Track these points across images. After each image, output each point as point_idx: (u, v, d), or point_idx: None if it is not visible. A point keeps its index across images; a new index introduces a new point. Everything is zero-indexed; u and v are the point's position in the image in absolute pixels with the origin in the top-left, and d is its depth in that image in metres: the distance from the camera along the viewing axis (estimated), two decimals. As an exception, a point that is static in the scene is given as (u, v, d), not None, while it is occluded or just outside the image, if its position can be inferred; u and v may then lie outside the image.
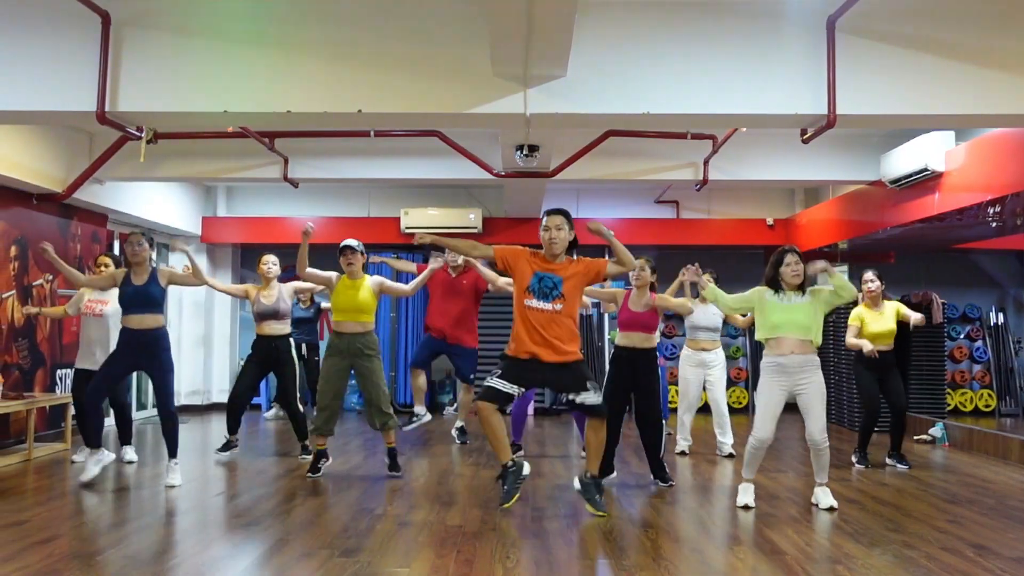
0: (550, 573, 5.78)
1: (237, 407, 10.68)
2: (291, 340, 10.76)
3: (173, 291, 15.71)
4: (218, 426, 13.44)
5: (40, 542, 6.42)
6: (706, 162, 12.44)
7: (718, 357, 10.99)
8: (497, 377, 7.49)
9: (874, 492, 8.64)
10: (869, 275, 10.29)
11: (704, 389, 11.09)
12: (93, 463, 8.71)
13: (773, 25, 7.93)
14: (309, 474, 9.23)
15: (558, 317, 7.47)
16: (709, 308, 10.75)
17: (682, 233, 16.11)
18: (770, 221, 16.20)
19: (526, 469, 7.75)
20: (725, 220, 16.35)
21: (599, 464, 7.73)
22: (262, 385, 15.09)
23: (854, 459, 10.29)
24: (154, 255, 9.06)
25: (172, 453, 8.77)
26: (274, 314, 10.50)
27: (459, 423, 11.91)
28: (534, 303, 7.48)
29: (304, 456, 10.34)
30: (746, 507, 7.83)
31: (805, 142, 8.59)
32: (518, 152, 10.77)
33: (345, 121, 9.00)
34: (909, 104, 7.89)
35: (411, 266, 11.85)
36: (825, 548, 6.45)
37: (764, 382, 7.89)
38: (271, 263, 10.62)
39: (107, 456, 8.85)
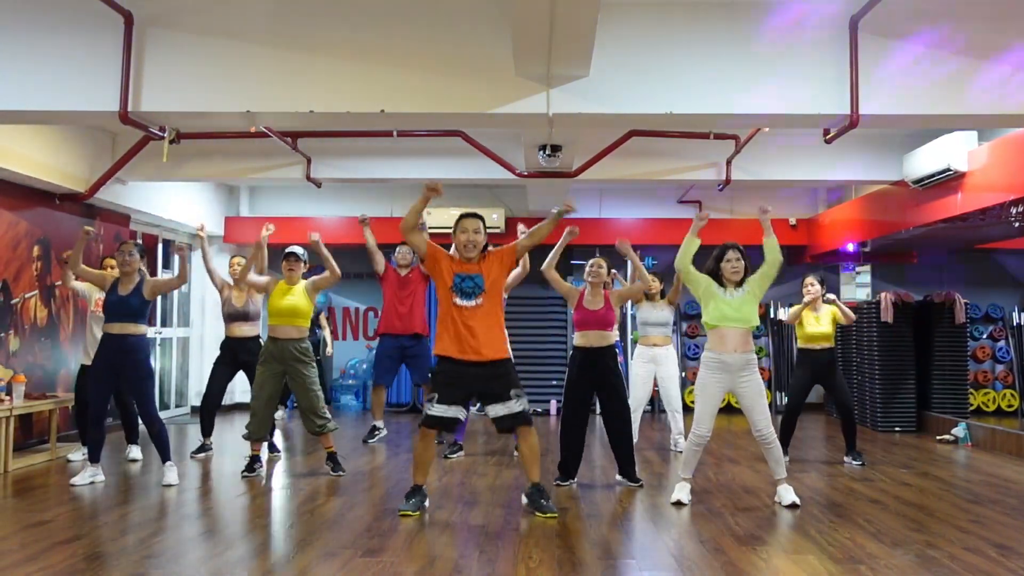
0: (572, 573, 5.78)
1: (211, 409, 10.77)
2: (260, 342, 10.70)
3: (196, 293, 15.79)
4: (238, 426, 13.47)
5: (63, 542, 6.45)
6: (729, 162, 12.43)
7: (669, 353, 10.96)
8: (437, 403, 7.45)
9: (896, 492, 8.62)
10: (810, 279, 10.38)
11: (656, 386, 11.09)
12: (88, 474, 8.75)
13: (796, 25, 7.92)
14: (244, 473, 9.28)
15: (481, 311, 7.49)
16: (658, 304, 10.81)
17: (704, 233, 15.69)
18: (793, 221, 16.17)
19: (427, 500, 7.77)
20: (748, 220, 16.25)
21: (538, 471, 7.69)
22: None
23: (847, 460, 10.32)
24: (143, 266, 9.13)
25: (165, 456, 8.88)
26: (244, 316, 10.60)
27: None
28: (459, 301, 7.48)
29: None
30: (679, 503, 7.88)
31: (828, 142, 8.59)
32: (541, 152, 10.78)
33: (368, 121, 9.04)
34: (932, 104, 7.87)
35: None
36: (848, 548, 6.42)
37: (704, 378, 7.97)
38: (239, 264, 10.64)
39: (100, 476, 8.85)
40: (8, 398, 9.71)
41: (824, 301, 10.34)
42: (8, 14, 7.88)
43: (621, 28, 7.89)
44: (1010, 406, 15.70)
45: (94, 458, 8.83)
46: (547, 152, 10.74)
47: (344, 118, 8.39)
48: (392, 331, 11.74)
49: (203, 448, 10.63)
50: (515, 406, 7.46)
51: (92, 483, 8.69)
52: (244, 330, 10.64)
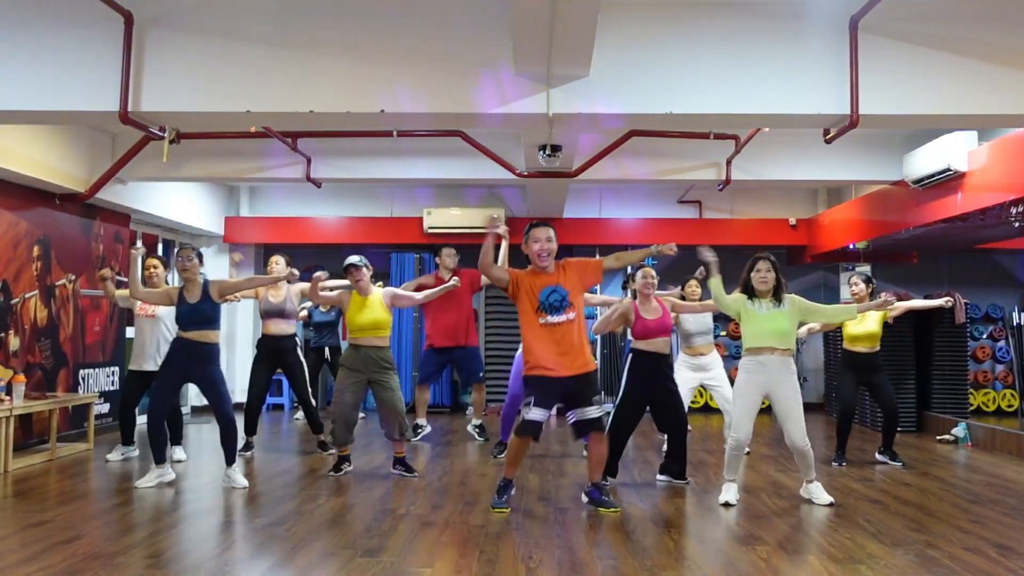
0: (572, 573, 5.78)
1: (255, 409, 10.78)
2: (296, 339, 10.85)
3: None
4: (240, 425, 13.49)
5: (63, 542, 6.45)
6: (729, 162, 12.43)
7: (715, 359, 10.83)
8: (534, 407, 7.49)
9: (896, 492, 8.61)
10: (855, 279, 10.27)
11: (707, 390, 10.98)
12: (154, 476, 8.69)
13: (796, 25, 7.93)
14: (331, 473, 9.30)
15: (571, 327, 7.50)
16: (697, 313, 10.73)
17: (705, 233, 16.02)
18: (793, 221, 16.16)
19: (513, 490, 7.88)
20: (748, 220, 16.31)
21: (601, 473, 7.84)
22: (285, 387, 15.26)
23: (833, 461, 10.27)
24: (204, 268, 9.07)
25: (231, 459, 8.82)
26: (280, 313, 10.62)
27: (476, 421, 12.08)
28: (548, 319, 7.48)
29: (321, 451, 10.59)
30: (727, 504, 7.87)
31: (828, 142, 8.60)
32: (541, 152, 10.77)
33: (368, 121, 9.04)
34: (932, 104, 7.89)
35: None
36: (848, 548, 6.42)
37: (743, 380, 7.97)
38: (275, 263, 10.66)
39: (169, 474, 8.82)
40: (8, 398, 9.70)
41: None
42: (8, 14, 7.88)
43: (621, 28, 7.90)
44: (1010, 406, 15.70)
45: (160, 458, 8.76)
46: (547, 152, 10.72)
47: (344, 118, 8.40)
48: (438, 345, 11.80)
49: (247, 447, 10.58)
50: (593, 412, 7.55)
51: (158, 485, 8.65)
52: (281, 327, 10.69)
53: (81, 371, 12.04)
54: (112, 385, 12.78)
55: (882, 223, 13.38)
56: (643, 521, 7.37)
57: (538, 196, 14.21)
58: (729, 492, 7.98)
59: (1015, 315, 16.12)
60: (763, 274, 7.94)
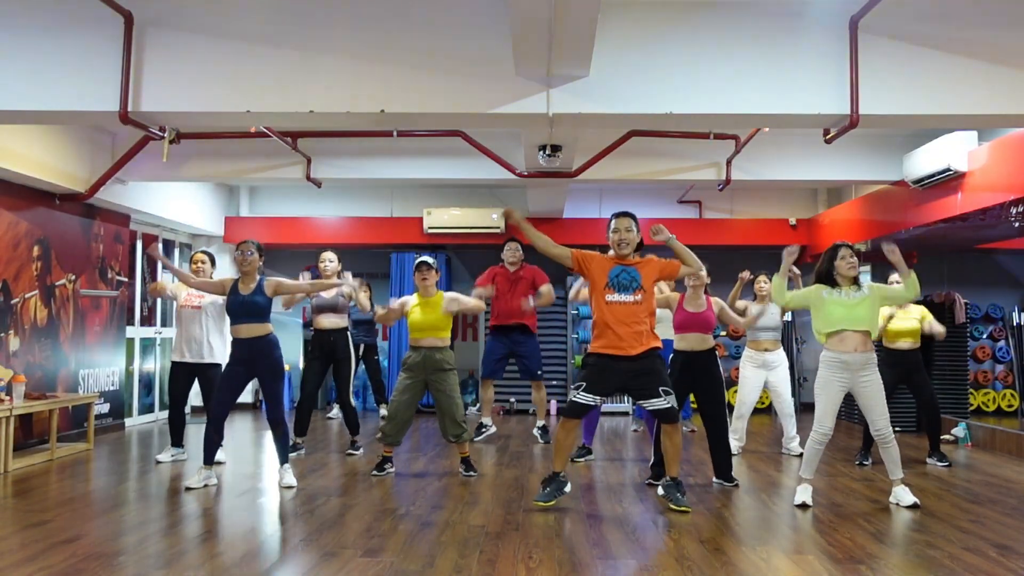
0: (572, 573, 5.78)
1: (307, 409, 10.80)
2: (349, 334, 10.86)
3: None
4: (238, 425, 13.50)
5: (63, 542, 6.45)
6: (729, 162, 12.43)
7: (780, 357, 10.88)
8: (582, 391, 7.58)
9: (897, 493, 8.62)
10: (895, 276, 10.22)
11: (767, 390, 11.04)
12: (202, 478, 8.63)
13: (796, 25, 7.93)
14: (374, 472, 9.34)
15: (638, 310, 7.56)
16: (769, 307, 10.71)
17: (705, 233, 16.06)
18: (793, 221, 16.15)
19: (568, 487, 7.90)
20: (748, 220, 16.31)
21: (677, 467, 7.84)
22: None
23: (857, 461, 10.26)
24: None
25: (284, 459, 8.84)
26: (332, 308, 10.68)
27: (540, 422, 11.99)
28: (615, 297, 7.57)
29: (352, 452, 10.56)
30: (803, 505, 7.83)
31: (828, 142, 8.59)
32: (541, 152, 10.77)
33: (368, 121, 9.03)
34: (932, 104, 7.88)
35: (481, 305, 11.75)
36: (848, 548, 6.42)
37: (824, 377, 7.91)
38: (328, 260, 10.75)
39: (214, 479, 8.75)
40: (8, 398, 9.71)
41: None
42: (8, 14, 7.88)
43: (621, 28, 7.90)
44: (1010, 406, 15.70)
45: (209, 460, 8.71)
46: (547, 152, 10.73)
47: (344, 118, 8.40)
48: (502, 322, 11.70)
49: (294, 448, 10.47)
50: (662, 403, 7.56)
51: (206, 486, 8.61)
52: (333, 321, 10.73)
53: (81, 371, 12.03)
54: (112, 385, 12.79)
55: (882, 223, 13.37)
56: (643, 521, 7.37)
57: (538, 196, 14.20)
58: (805, 493, 7.94)
59: (1015, 315, 16.12)
60: (849, 260, 7.93)
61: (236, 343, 8.72)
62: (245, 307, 8.63)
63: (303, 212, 16.47)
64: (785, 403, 10.87)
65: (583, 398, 7.56)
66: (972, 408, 14.84)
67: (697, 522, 7.34)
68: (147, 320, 14.56)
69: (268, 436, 12.18)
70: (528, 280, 11.57)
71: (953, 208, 11.17)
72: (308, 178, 12.83)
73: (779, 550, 6.41)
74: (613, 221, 7.91)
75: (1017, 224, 10.80)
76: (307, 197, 16.25)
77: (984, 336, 16.21)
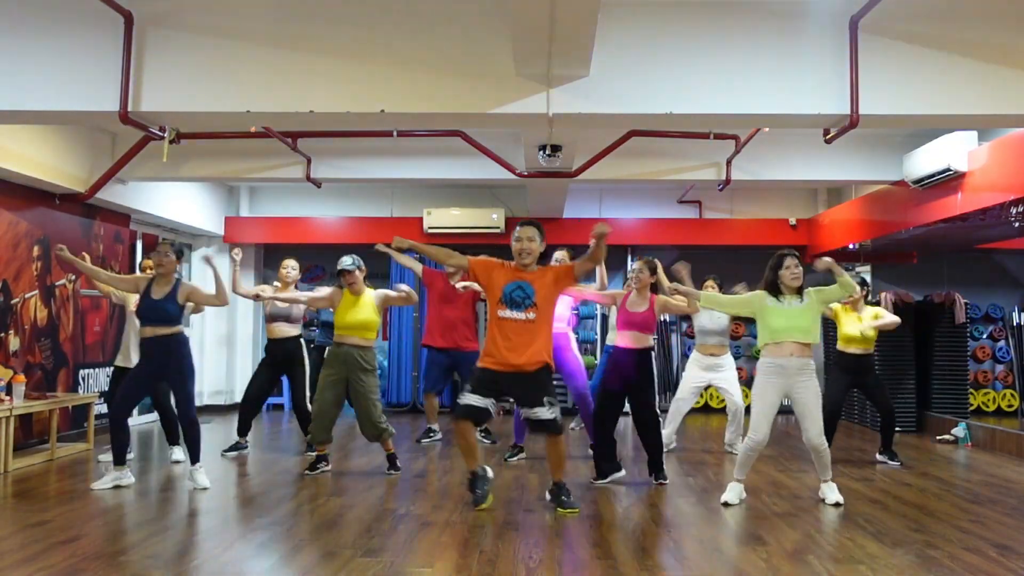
0: (572, 573, 5.79)
1: (250, 410, 10.83)
2: (301, 340, 10.86)
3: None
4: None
5: (63, 542, 6.45)
6: (729, 162, 12.42)
7: (727, 361, 10.86)
8: (469, 393, 7.60)
9: (896, 492, 8.62)
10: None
11: (718, 390, 11.04)
12: (111, 478, 8.57)
13: (796, 25, 7.92)
14: (307, 472, 9.35)
15: (531, 327, 7.53)
16: (715, 312, 10.67)
17: (705, 233, 16.07)
18: (793, 221, 16.14)
19: (490, 473, 8.11)
20: (748, 220, 16.30)
21: (562, 472, 7.82)
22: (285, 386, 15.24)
23: (885, 459, 10.32)
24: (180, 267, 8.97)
25: (195, 458, 8.70)
26: (286, 317, 10.67)
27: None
28: (507, 313, 7.56)
29: (311, 453, 10.41)
30: (726, 504, 7.91)
31: (828, 142, 8.59)
32: (541, 152, 10.77)
33: (368, 121, 9.04)
34: (932, 104, 7.87)
35: (416, 266, 11.69)
36: (848, 548, 6.43)
37: (761, 383, 7.98)
38: (291, 267, 10.73)
39: (127, 478, 8.67)
40: (8, 398, 9.70)
41: (867, 303, 10.44)
42: (8, 14, 7.87)
43: (621, 28, 7.89)
44: (1010, 406, 15.68)
45: (120, 460, 8.65)
46: (547, 152, 10.72)
47: (344, 118, 8.40)
48: (435, 344, 11.64)
49: (236, 447, 10.64)
50: (545, 413, 7.53)
51: (117, 487, 8.55)
52: (285, 330, 10.73)
53: (81, 371, 12.03)
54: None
55: (882, 223, 13.37)
56: (643, 521, 7.38)
57: (538, 196, 14.20)
58: (733, 492, 8.01)
59: (1015, 315, 16.12)
60: (793, 271, 7.98)
61: (143, 343, 8.66)
62: (155, 312, 8.55)
63: (303, 212, 16.47)
64: (735, 404, 10.86)
65: (472, 400, 7.56)
66: (972, 408, 14.82)
67: (697, 522, 7.36)
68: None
69: (270, 436, 12.27)
70: (468, 292, 11.41)
71: (953, 208, 11.16)
72: (308, 178, 12.82)
73: (779, 550, 6.41)
74: (517, 229, 7.84)
75: (1017, 224, 10.80)
76: (307, 197, 16.26)
77: (984, 336, 16.19)
